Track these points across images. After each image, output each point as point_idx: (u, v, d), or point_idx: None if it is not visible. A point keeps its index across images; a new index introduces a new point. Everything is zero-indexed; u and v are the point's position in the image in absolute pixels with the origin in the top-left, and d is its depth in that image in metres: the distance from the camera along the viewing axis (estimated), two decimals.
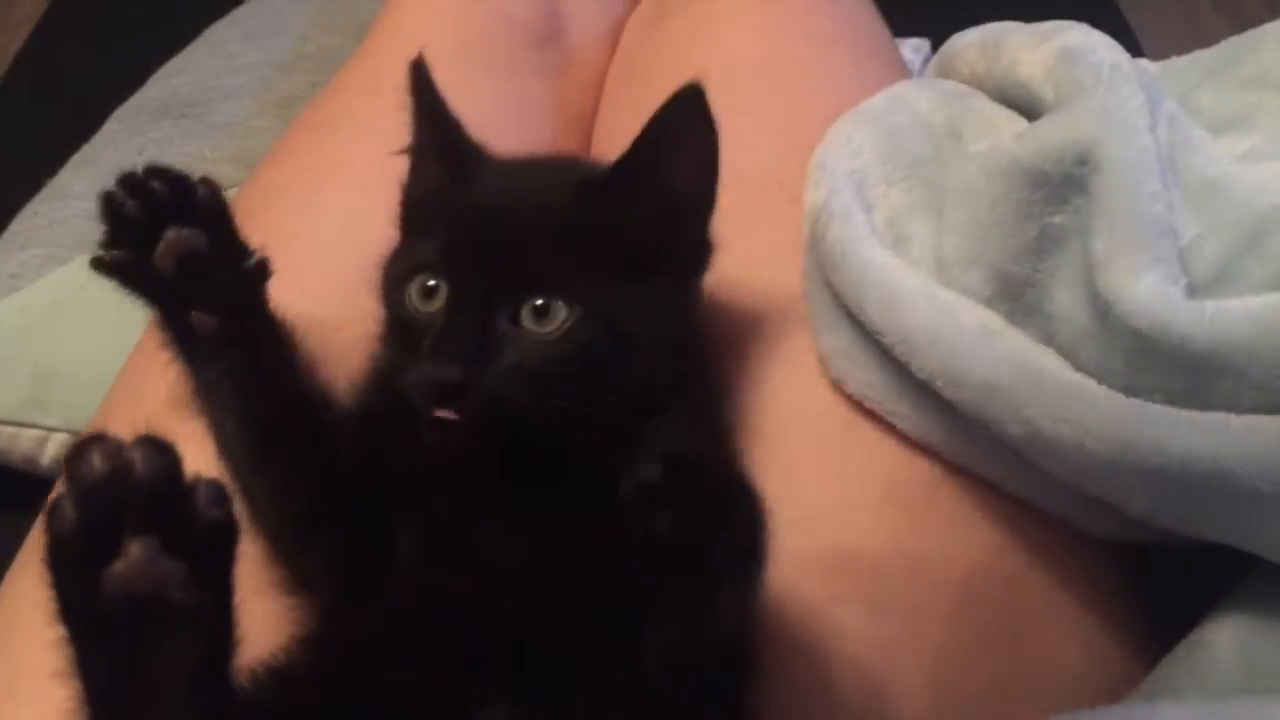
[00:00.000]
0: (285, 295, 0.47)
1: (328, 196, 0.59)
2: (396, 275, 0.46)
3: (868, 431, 0.49)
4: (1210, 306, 0.42)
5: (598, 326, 0.42)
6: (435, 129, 0.48)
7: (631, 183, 0.45)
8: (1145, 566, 0.49)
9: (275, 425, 0.45)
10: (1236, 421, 0.40)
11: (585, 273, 0.43)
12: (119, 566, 0.34)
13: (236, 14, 1.03)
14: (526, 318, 0.42)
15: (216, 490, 0.35)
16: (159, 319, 0.46)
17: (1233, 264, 0.45)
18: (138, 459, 0.34)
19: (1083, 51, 0.50)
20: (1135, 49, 1.25)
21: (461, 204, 0.46)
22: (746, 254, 0.54)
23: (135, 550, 0.33)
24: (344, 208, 0.57)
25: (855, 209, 0.51)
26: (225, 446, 0.46)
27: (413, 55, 0.66)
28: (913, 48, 1.11)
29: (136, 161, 0.81)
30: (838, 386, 0.50)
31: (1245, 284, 0.44)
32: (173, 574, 0.34)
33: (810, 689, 0.44)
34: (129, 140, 0.87)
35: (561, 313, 0.42)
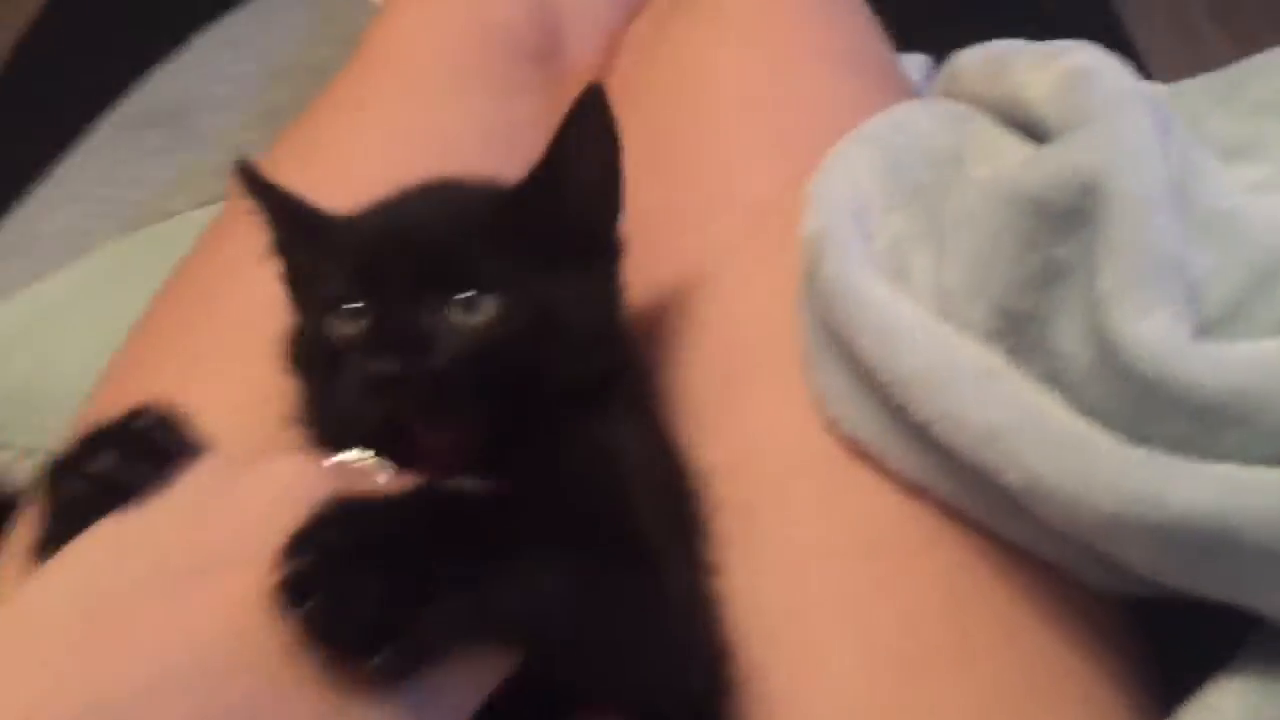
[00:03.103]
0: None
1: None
2: (308, 326, 0.45)
3: (862, 475, 0.47)
4: (1219, 350, 0.39)
5: (526, 313, 0.43)
6: (285, 213, 0.47)
7: (544, 192, 0.45)
8: (1148, 620, 0.47)
9: None
10: (1245, 475, 0.38)
11: (506, 266, 0.43)
12: None
13: (225, 22, 1.01)
14: (456, 312, 0.42)
15: None
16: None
17: (1243, 303, 0.43)
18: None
19: (1091, 74, 0.48)
20: (1139, 66, 1.23)
21: (358, 236, 0.45)
22: (742, 285, 0.52)
23: None
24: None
25: (853, 239, 0.49)
26: None
27: (405, 76, 0.65)
28: (915, 65, 1.09)
29: (119, 174, 0.80)
30: (832, 427, 0.48)
31: (1256, 325, 0.42)
32: None
33: None
34: (111, 149, 0.86)
35: (490, 303, 0.42)
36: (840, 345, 0.48)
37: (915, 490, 0.46)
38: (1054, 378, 0.44)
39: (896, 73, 0.69)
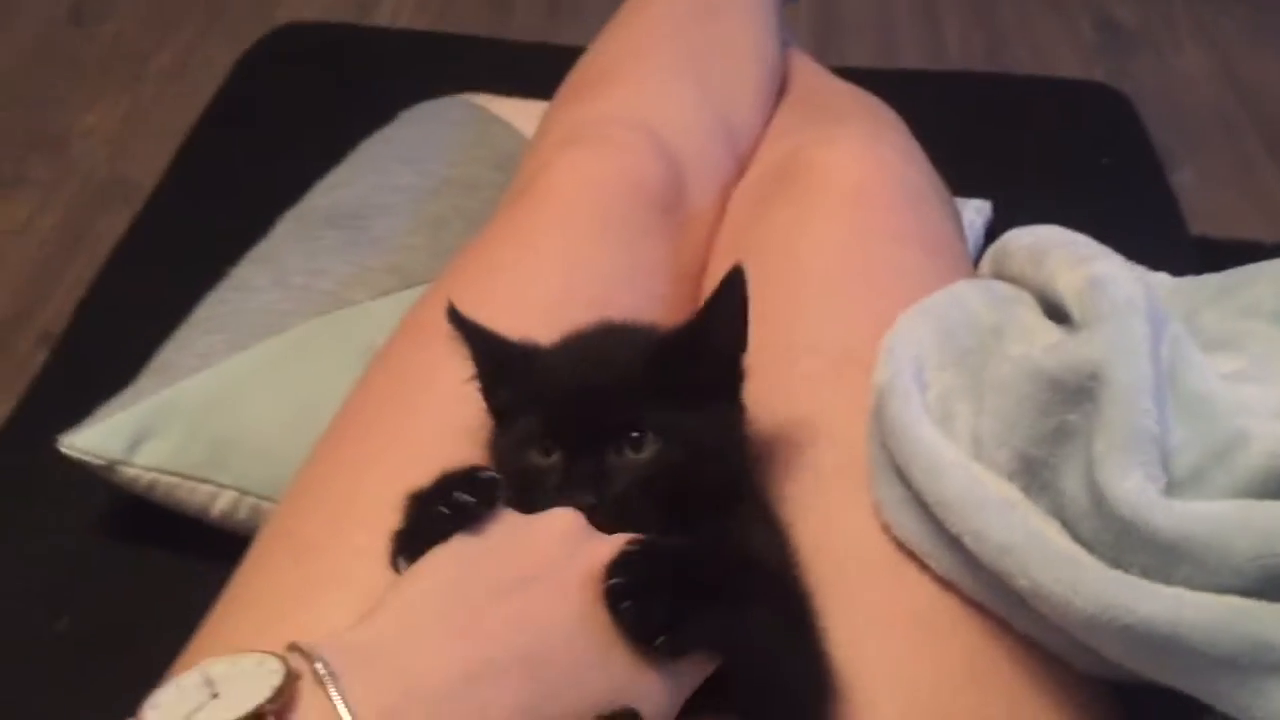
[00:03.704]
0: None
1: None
2: (510, 450, 0.60)
3: (907, 568, 0.62)
4: (1179, 505, 0.54)
5: (680, 445, 0.58)
6: (488, 353, 0.62)
7: (695, 343, 0.60)
8: (1125, 700, 0.61)
9: None
10: (1190, 597, 0.52)
11: (661, 410, 0.58)
12: None
13: (388, 133, 1.19)
14: (628, 451, 0.57)
15: None
16: None
17: (1205, 470, 0.57)
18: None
19: (1106, 284, 0.63)
20: (1177, 219, 1.37)
21: (548, 386, 0.60)
22: (826, 415, 0.68)
23: None
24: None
25: (913, 389, 0.64)
26: None
27: (565, 220, 0.80)
28: (975, 209, 1.24)
29: (309, 265, 0.98)
30: (886, 529, 0.63)
31: (1212, 488, 0.56)
32: None
33: None
34: (300, 243, 1.03)
35: (651, 441, 0.57)
36: (896, 469, 0.63)
37: (947, 583, 0.61)
38: (1057, 511, 0.59)
39: (960, 252, 0.84)
